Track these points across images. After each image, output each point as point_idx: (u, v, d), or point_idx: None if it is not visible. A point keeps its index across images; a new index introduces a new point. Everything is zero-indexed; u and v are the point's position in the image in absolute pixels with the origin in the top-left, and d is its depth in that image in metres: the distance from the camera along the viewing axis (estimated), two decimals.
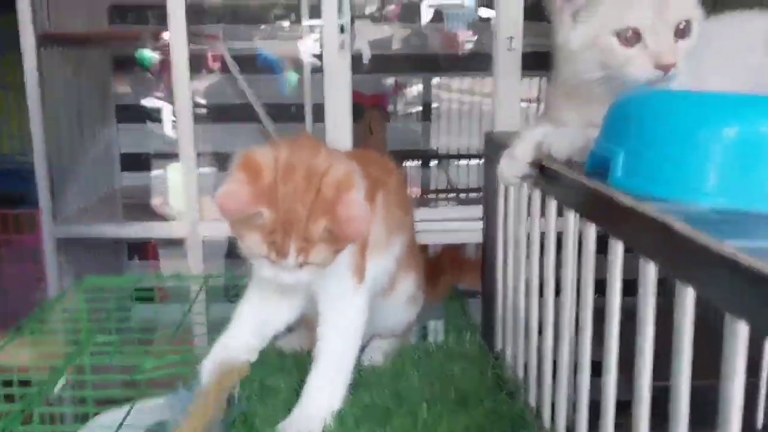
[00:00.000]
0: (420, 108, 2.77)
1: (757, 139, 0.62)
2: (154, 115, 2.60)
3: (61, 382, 1.16)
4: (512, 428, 0.91)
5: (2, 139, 2.61)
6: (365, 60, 2.58)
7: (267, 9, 2.61)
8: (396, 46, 2.69)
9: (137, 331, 1.40)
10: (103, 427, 1.36)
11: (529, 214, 0.98)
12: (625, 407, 0.71)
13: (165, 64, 2.51)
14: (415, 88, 2.78)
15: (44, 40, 1.95)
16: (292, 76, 2.61)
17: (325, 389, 0.96)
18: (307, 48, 2.55)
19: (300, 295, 1.00)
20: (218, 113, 2.58)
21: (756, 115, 0.63)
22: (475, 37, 2.64)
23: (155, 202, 2.39)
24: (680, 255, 0.55)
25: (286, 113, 2.59)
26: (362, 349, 1.05)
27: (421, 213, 1.77)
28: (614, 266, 0.70)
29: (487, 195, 1.20)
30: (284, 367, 1.09)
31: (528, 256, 0.98)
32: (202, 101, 2.58)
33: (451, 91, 2.80)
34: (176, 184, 2.53)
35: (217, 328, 1.07)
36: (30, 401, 1.08)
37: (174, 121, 2.04)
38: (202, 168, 2.09)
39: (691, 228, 0.53)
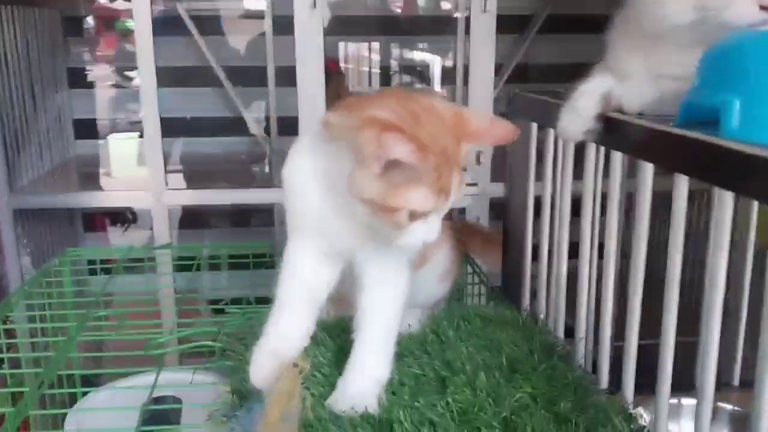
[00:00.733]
0: (378, 71, 2.70)
1: None
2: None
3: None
4: (575, 392, 0.88)
5: None
6: (325, 23, 2.49)
7: None
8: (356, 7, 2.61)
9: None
10: (92, 409, 1.29)
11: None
12: None
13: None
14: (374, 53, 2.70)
15: None
16: None
17: (375, 360, 0.90)
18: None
19: (338, 266, 0.94)
20: (175, 77, 2.45)
21: None
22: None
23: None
24: None
25: (247, 77, 2.48)
26: None
27: None
28: (723, 222, 0.68)
29: (512, 158, 1.16)
30: (316, 338, 1.02)
31: (583, 216, 0.94)
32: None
33: (412, 54, 2.74)
34: (119, 155, 2.42)
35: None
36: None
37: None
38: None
39: None
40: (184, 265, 1.58)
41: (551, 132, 1.02)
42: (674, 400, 1.04)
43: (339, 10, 2.50)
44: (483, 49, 1.95)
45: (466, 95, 2.00)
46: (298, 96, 1.95)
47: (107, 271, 1.54)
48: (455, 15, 2.49)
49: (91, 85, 2.46)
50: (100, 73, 2.49)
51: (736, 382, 1.26)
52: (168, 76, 2.39)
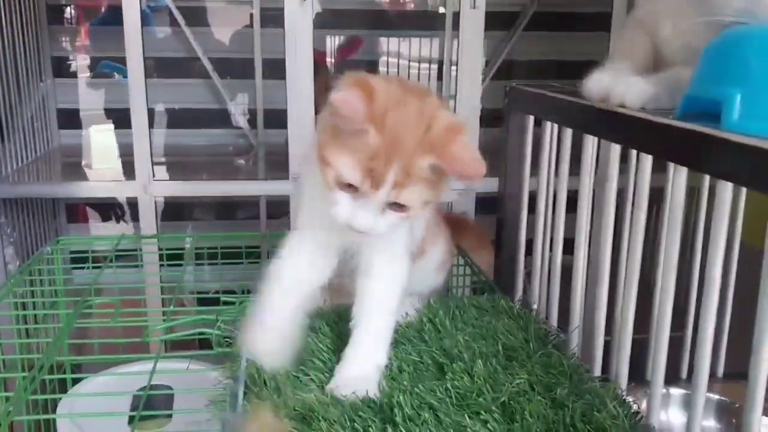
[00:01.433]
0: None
1: None
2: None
3: None
4: (570, 379, 0.89)
5: None
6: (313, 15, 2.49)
7: None
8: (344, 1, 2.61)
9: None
10: (88, 394, 1.29)
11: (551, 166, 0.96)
12: None
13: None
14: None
15: None
16: None
17: (374, 346, 0.91)
18: None
19: (335, 255, 0.95)
20: (163, 68, 2.44)
21: None
22: None
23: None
24: None
25: (234, 68, 2.48)
26: None
27: None
28: (722, 212, 0.69)
29: (507, 151, 1.17)
30: (313, 325, 1.03)
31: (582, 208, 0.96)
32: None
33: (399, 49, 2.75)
34: (99, 146, 2.40)
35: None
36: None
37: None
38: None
39: None
40: (174, 254, 1.58)
41: (548, 125, 1.04)
42: (663, 390, 1.07)
43: (327, 4, 2.51)
44: (472, 44, 1.97)
45: (455, 90, 2.02)
46: (287, 89, 1.95)
47: (94, 261, 1.54)
48: (440, 10, 2.51)
49: (74, 75, 2.44)
50: (81, 63, 2.47)
51: (720, 373, 1.30)
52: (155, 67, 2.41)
